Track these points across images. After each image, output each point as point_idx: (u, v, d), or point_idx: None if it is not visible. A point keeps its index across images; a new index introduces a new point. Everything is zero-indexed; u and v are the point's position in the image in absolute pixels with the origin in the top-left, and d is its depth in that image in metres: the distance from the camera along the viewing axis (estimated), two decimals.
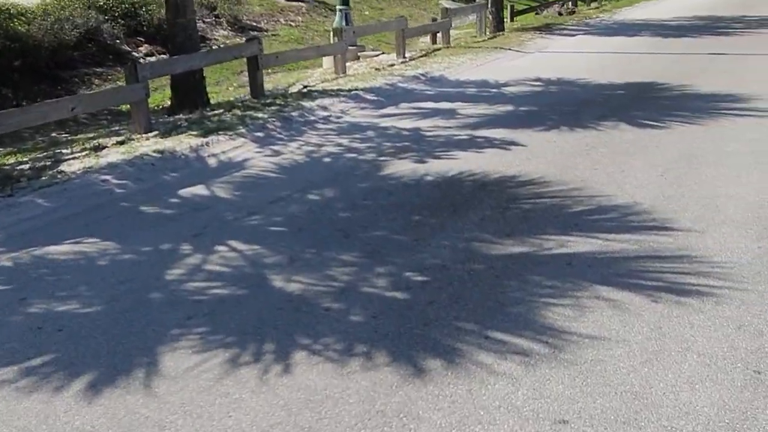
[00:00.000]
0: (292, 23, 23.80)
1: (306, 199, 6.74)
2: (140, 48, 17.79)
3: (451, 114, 10.24)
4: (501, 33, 20.25)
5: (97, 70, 16.09)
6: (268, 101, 11.10)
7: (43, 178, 7.55)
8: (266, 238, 5.78)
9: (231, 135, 9.05)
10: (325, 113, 10.38)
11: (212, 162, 8.23)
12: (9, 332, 4.40)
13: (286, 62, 12.77)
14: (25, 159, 8.64)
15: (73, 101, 8.90)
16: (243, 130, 9.26)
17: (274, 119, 9.85)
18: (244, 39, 21.30)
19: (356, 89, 11.89)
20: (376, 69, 14.15)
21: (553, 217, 6.04)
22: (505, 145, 8.43)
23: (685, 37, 19.17)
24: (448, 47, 17.26)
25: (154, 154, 8.26)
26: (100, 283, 5.05)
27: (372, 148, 8.50)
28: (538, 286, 4.79)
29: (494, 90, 12.01)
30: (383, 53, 16.95)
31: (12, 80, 14.17)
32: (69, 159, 8.32)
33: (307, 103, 10.81)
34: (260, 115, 10.11)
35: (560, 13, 27.10)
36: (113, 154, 8.36)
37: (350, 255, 5.39)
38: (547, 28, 21.60)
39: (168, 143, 8.72)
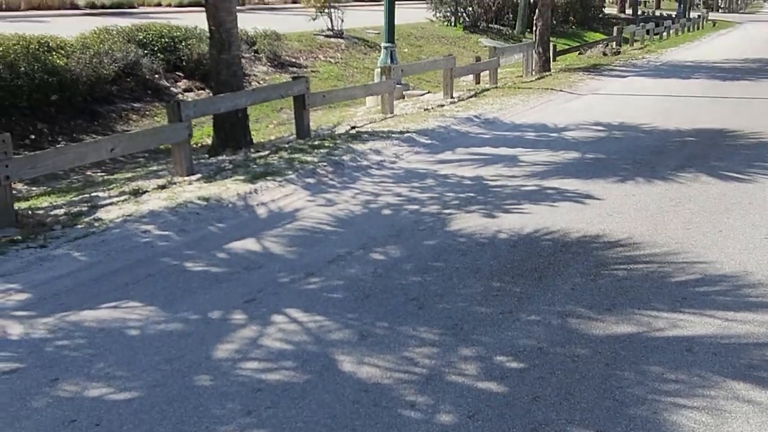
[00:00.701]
0: (331, 60, 23.34)
1: (369, 258, 6.03)
2: (179, 83, 17.34)
3: (513, 161, 9.54)
4: (548, 73, 19.61)
5: (135, 105, 15.63)
6: (316, 143, 10.47)
7: (79, 226, 6.92)
8: (329, 307, 5.07)
9: (280, 181, 8.40)
10: (378, 157, 9.73)
11: (262, 212, 7.57)
12: (37, 426, 3.71)
13: (333, 101, 12.18)
14: (59, 202, 8.04)
15: (113, 141, 8.31)
16: (292, 176, 8.61)
17: (324, 163, 9.20)
18: (283, 75, 20.88)
19: (408, 131, 11.23)
20: (425, 109, 13.52)
21: (655, 289, 5.29)
22: (579, 198, 7.70)
23: (743, 80, 18.41)
24: (496, 87, 16.61)
25: (199, 202, 7.61)
26: (142, 360, 4.36)
27: (434, 198, 7.80)
28: (658, 380, 4.03)
29: (554, 134, 11.31)
30: (428, 92, 16.34)
31: (49, 115, 13.71)
32: (107, 204, 7.70)
33: (357, 146, 10.17)
34: (309, 158, 9.47)
35: (605, 54, 26.43)
36: (154, 200, 7.73)
37: (429, 331, 4.67)
38: (595, 69, 20.92)
39: (213, 189, 8.08)
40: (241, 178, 8.56)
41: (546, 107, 14.06)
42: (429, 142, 10.70)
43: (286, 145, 10.52)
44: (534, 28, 21.88)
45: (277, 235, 6.72)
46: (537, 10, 21.17)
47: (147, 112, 15.33)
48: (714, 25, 48.86)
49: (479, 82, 18.04)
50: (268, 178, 8.51)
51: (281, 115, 17.03)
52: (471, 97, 15.11)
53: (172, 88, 16.94)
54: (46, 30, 19.67)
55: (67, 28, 18.34)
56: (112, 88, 15.46)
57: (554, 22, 41.73)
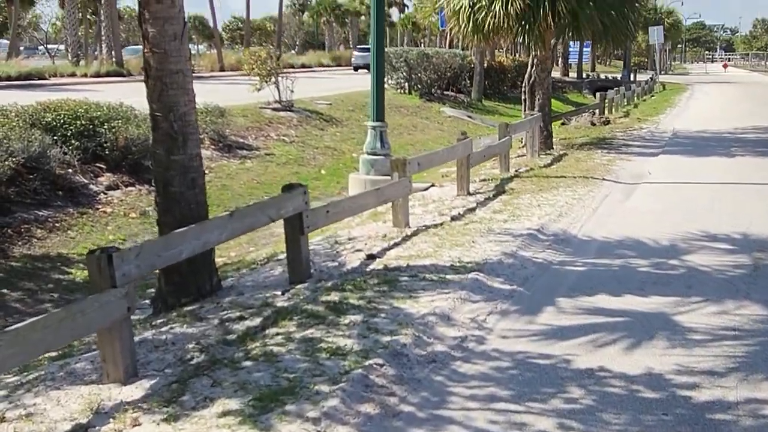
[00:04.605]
0: (285, 138, 19.53)
1: None
2: (100, 178, 13.21)
3: (669, 327, 5.81)
4: (551, 151, 16.18)
5: (41, 213, 11.43)
6: (332, 297, 6.54)
7: None
8: None
9: (315, 419, 4.40)
10: (453, 331, 5.81)
11: None
12: None
13: (340, 217, 8.24)
14: None
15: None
16: (334, 402, 4.60)
17: (375, 358, 5.23)
18: (231, 161, 16.90)
19: (461, 264, 7.39)
20: (452, 218, 9.74)
21: None
22: None
23: None
24: (517, 176, 12.98)
25: None
26: None
27: None
28: None
29: (673, 261, 7.68)
30: (432, 185, 12.61)
31: None
32: None
33: (406, 304, 6.27)
34: (340, 337, 5.52)
35: (593, 123, 23.33)
36: None
37: None
38: (606, 144, 17.62)
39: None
40: (236, 406, 4.53)
41: (609, 208, 10.49)
42: (507, 287, 6.85)
43: (283, 300, 6.55)
44: (525, 97, 18.58)
45: None
46: (532, 76, 17.85)
47: (57, 224, 11.15)
48: (664, 88, 46.93)
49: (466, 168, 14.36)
50: (288, 405, 4.51)
51: (257, 234, 13.04)
52: (496, 193, 11.40)
53: (91, 186, 12.81)
54: None
55: None
56: (8, 191, 11.25)
57: (505, 87, 38.98)
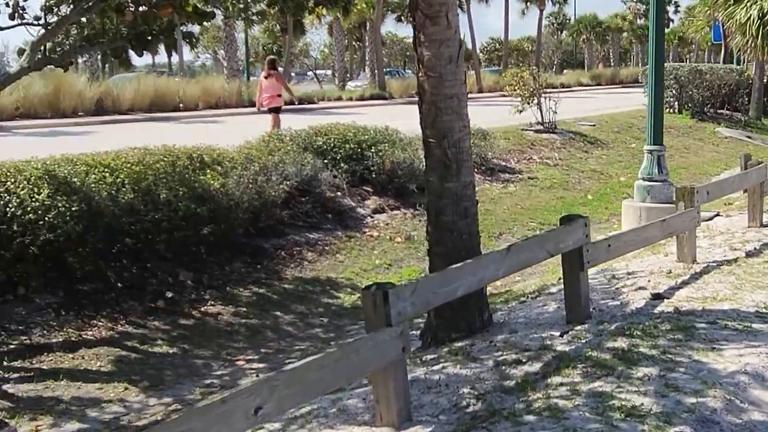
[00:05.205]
0: (548, 161, 18.89)
1: None
2: (367, 201, 13.38)
3: None
4: None
5: (311, 235, 11.71)
6: (615, 342, 5.87)
7: None
8: None
9: None
10: None
11: None
12: None
13: (621, 253, 7.54)
14: None
15: (261, 392, 4.05)
16: None
17: (665, 415, 4.53)
18: (494, 185, 16.57)
19: None
20: (747, 253, 8.66)
21: None
22: None
23: None
24: None
25: None
26: None
27: None
28: None
29: None
30: (717, 214, 11.44)
31: (196, 258, 9.94)
32: None
33: (701, 355, 5.45)
34: (623, 395, 4.86)
35: None
36: None
37: None
38: None
39: None
40: None
41: None
42: None
43: (563, 343, 5.99)
44: None
45: None
46: None
47: (326, 248, 11.34)
48: None
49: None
50: None
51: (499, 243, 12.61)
52: None
53: (358, 209, 12.99)
54: (218, 133, 16.48)
55: (236, 131, 14.98)
56: (282, 214, 11.63)
57: None
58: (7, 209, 8.21)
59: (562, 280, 7.06)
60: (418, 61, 7.04)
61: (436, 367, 5.92)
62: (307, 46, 71.63)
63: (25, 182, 8.66)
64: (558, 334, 6.32)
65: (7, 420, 6.37)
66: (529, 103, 21.11)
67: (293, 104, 17.42)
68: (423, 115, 7.05)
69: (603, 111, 26.32)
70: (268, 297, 9.59)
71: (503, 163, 17.51)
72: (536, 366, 5.56)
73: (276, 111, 16.82)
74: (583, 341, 6.02)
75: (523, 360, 5.71)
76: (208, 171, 10.82)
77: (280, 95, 16.91)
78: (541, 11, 61.98)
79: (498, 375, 5.49)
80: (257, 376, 7.28)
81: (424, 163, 7.28)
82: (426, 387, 5.47)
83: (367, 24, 45.21)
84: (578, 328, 6.40)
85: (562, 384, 5.15)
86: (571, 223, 6.71)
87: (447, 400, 5.17)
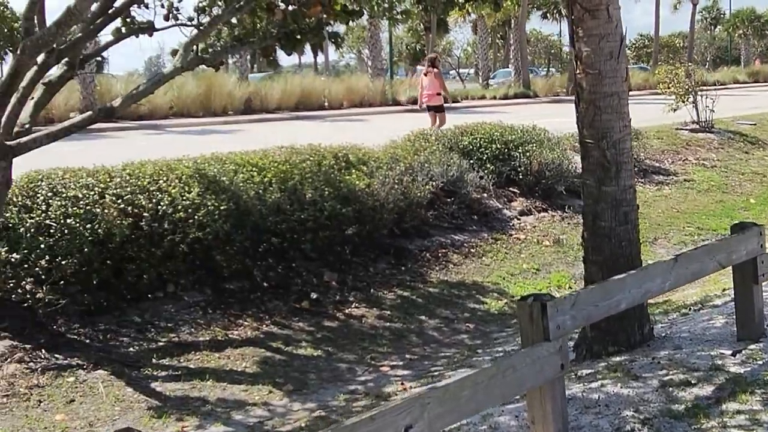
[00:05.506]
0: (705, 162, 17.83)
1: None
2: (513, 203, 12.97)
3: None
4: None
5: (456, 237, 11.43)
6: None
7: None
8: None
9: None
10: None
11: None
12: None
13: None
14: None
15: (412, 410, 3.82)
16: None
17: None
18: (647, 187, 15.76)
19: None
20: None
21: None
22: None
23: None
24: None
25: None
26: None
27: None
28: None
29: None
30: None
31: (341, 258, 9.86)
32: None
33: None
34: None
35: None
36: None
37: None
38: None
39: None
40: None
41: None
42: None
43: (736, 363, 5.46)
44: None
45: None
46: None
47: (471, 250, 11.03)
48: None
49: None
50: None
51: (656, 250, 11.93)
52: None
53: (504, 210, 12.60)
54: (362, 131, 16.48)
55: (380, 129, 14.91)
56: (427, 215, 11.41)
57: None
58: (159, 207, 8.36)
59: (727, 292, 6.51)
60: (576, 58, 6.68)
61: (593, 385, 5.52)
62: (450, 44, 71.22)
63: (177, 181, 8.81)
64: (729, 352, 5.78)
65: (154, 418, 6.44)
66: (684, 101, 20.05)
67: (446, 102, 17.10)
68: (580, 115, 6.66)
69: (763, 109, 24.71)
70: (413, 300, 9.38)
71: (657, 164, 16.65)
72: (708, 389, 5.08)
73: (436, 109, 16.56)
74: (760, 362, 5.47)
75: (692, 381, 5.23)
76: (354, 171, 10.75)
77: (439, 93, 16.63)
78: (695, 5, 59.21)
79: (664, 397, 5.04)
80: (402, 383, 7.08)
81: (575, 165, 6.88)
82: (584, 406, 5.10)
83: (512, 21, 44.47)
84: (752, 347, 5.84)
85: (739, 411, 4.66)
86: (744, 231, 6.13)
87: (608, 423, 4.79)
